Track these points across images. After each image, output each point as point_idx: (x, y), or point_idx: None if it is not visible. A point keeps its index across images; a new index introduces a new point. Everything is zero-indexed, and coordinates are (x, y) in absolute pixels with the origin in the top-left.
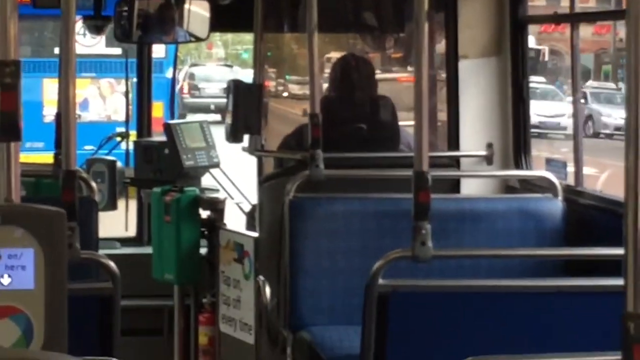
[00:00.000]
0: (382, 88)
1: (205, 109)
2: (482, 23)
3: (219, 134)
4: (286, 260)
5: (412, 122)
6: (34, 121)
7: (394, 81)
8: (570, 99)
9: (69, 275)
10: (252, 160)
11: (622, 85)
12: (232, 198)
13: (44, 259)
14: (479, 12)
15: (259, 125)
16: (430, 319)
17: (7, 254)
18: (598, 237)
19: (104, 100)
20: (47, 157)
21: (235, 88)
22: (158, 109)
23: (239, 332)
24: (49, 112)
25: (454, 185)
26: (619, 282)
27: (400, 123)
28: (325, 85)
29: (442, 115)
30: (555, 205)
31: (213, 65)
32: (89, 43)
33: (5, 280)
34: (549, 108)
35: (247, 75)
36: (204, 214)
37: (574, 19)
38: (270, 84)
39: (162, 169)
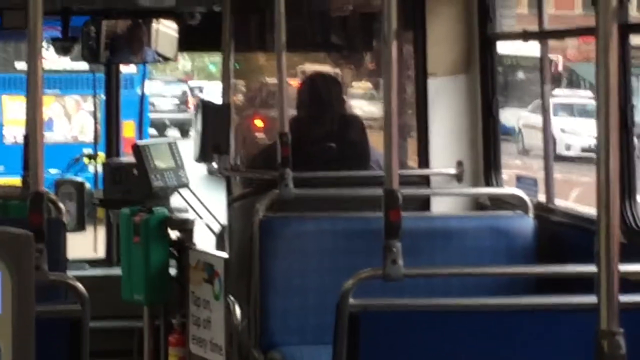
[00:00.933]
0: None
1: (160, 125)
2: (450, 40)
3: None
4: (256, 280)
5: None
6: None
7: None
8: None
9: (37, 297)
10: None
11: None
12: (202, 218)
13: (10, 281)
14: (447, 29)
15: (228, 145)
16: (401, 338)
17: None
18: (570, 254)
19: (69, 119)
20: (9, 182)
21: (204, 108)
22: (129, 129)
23: (210, 352)
24: (10, 132)
25: (425, 203)
26: (592, 299)
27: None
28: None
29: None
30: (527, 223)
31: (163, 82)
32: (52, 57)
33: None
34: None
35: (196, 88)
36: (173, 234)
37: (543, 36)
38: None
39: (131, 190)
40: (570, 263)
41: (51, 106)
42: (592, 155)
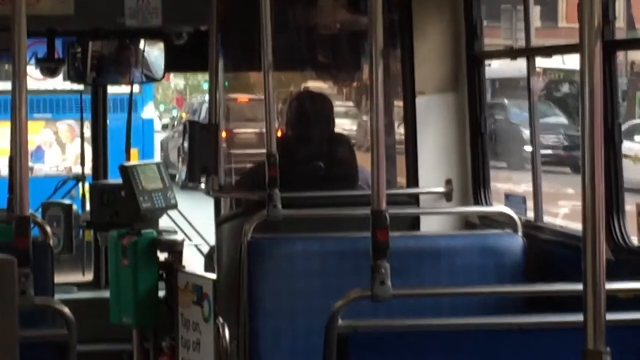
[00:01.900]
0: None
1: None
2: (438, 59)
3: None
4: (245, 302)
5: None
6: None
7: None
8: None
9: (25, 322)
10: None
11: None
12: (191, 240)
13: None
14: (435, 48)
15: (216, 165)
16: (391, 359)
17: None
18: (559, 273)
19: (63, 149)
20: None
21: (192, 129)
22: (133, 158)
23: None
24: None
25: (414, 222)
26: (580, 318)
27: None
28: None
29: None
30: (516, 241)
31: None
32: (42, 76)
33: None
34: None
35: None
36: (162, 256)
37: (530, 53)
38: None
39: (119, 212)
40: (559, 281)
41: (41, 133)
42: None
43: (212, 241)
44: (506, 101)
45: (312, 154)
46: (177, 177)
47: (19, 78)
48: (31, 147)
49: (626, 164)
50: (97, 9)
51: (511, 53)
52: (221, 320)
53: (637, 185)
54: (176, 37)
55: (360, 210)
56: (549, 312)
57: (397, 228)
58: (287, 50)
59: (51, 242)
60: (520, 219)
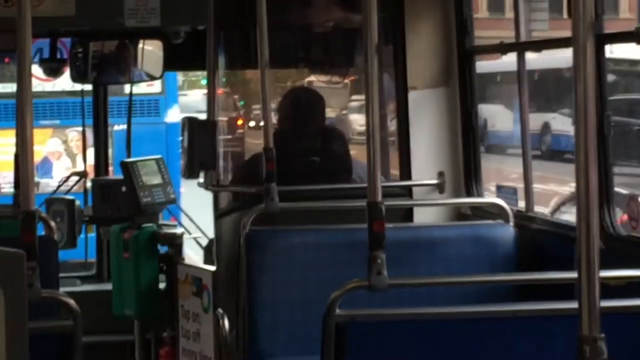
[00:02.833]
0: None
1: None
2: (429, 55)
3: None
4: (244, 293)
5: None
6: None
7: None
8: None
9: (31, 314)
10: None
11: None
12: (190, 233)
13: (4, 299)
14: (426, 44)
15: (214, 161)
16: (388, 348)
17: None
18: (550, 261)
19: (73, 160)
20: None
21: (190, 125)
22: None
23: None
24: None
25: (407, 214)
26: (573, 305)
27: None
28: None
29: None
30: (507, 231)
31: None
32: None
33: None
34: None
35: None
36: (162, 249)
37: (520, 47)
38: None
39: (120, 207)
40: (550, 270)
41: (48, 143)
42: None
43: (211, 234)
44: None
45: (306, 148)
46: None
47: (23, 77)
48: (37, 158)
49: None
50: (97, 9)
51: (501, 48)
52: (220, 310)
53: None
54: (174, 36)
55: (356, 202)
56: (541, 300)
57: (390, 219)
58: (283, 48)
59: (55, 237)
60: (512, 209)
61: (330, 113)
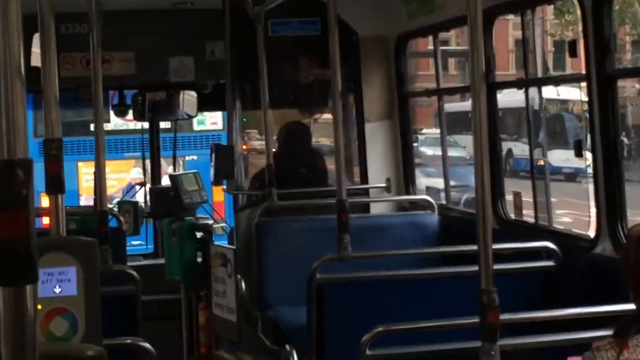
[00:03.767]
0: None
1: None
2: (379, 98)
3: None
4: (255, 264)
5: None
6: None
7: None
8: None
9: (106, 282)
10: None
11: None
12: (218, 223)
13: (83, 274)
14: (376, 90)
15: (233, 173)
16: (352, 301)
17: (57, 271)
18: (462, 238)
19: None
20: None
21: (216, 149)
22: (219, 193)
23: (226, 314)
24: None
25: (365, 207)
26: (476, 268)
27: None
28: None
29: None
30: (433, 218)
31: None
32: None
33: (57, 290)
34: None
35: None
36: (199, 234)
37: (439, 93)
38: None
39: (169, 206)
40: (462, 244)
41: (132, 171)
42: None
43: (232, 223)
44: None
45: (297, 164)
46: None
47: (98, 117)
48: (122, 184)
49: None
50: (151, 69)
51: (428, 92)
52: (239, 276)
53: None
54: (204, 87)
55: (330, 200)
56: (456, 265)
57: (353, 211)
58: (278, 95)
59: (124, 227)
60: (436, 203)
61: (313, 139)
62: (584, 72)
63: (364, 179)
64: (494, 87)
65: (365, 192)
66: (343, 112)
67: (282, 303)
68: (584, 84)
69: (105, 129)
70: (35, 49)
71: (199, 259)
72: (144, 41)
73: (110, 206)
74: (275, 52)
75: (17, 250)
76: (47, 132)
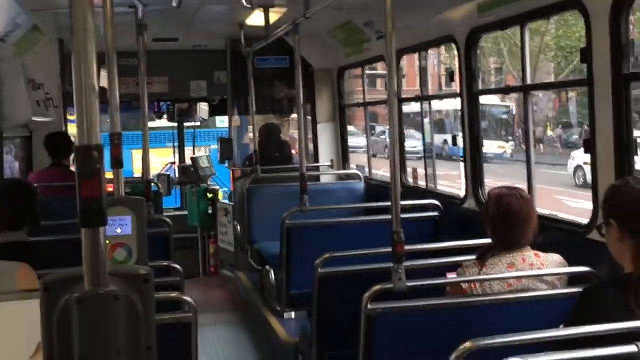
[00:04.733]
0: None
1: None
2: (326, 107)
3: None
4: (246, 214)
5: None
6: None
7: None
8: None
9: (151, 226)
10: None
11: None
12: (222, 188)
13: (136, 220)
14: (325, 102)
15: (232, 155)
16: (310, 239)
17: (119, 219)
18: (380, 199)
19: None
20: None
21: (221, 140)
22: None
23: (227, 246)
24: None
25: (317, 178)
26: (389, 217)
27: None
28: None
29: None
30: (361, 186)
31: None
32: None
33: (119, 230)
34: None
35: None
36: (210, 195)
37: (365, 105)
38: None
39: (191, 177)
40: (380, 202)
41: (171, 156)
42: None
43: (231, 189)
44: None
45: (273, 150)
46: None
47: (144, 120)
48: (165, 166)
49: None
50: (178, 89)
51: (357, 105)
52: (236, 222)
53: None
54: (213, 100)
55: (294, 173)
56: (376, 215)
57: (310, 181)
58: (262, 105)
59: (161, 191)
60: (362, 175)
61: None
62: (459, 91)
63: (317, 159)
64: (401, 101)
65: (317, 168)
66: (303, 116)
67: (264, 239)
68: (458, 99)
69: (151, 126)
70: (104, 74)
71: (210, 211)
72: (174, 70)
73: (152, 177)
74: (260, 78)
75: (94, 204)
76: (112, 128)
